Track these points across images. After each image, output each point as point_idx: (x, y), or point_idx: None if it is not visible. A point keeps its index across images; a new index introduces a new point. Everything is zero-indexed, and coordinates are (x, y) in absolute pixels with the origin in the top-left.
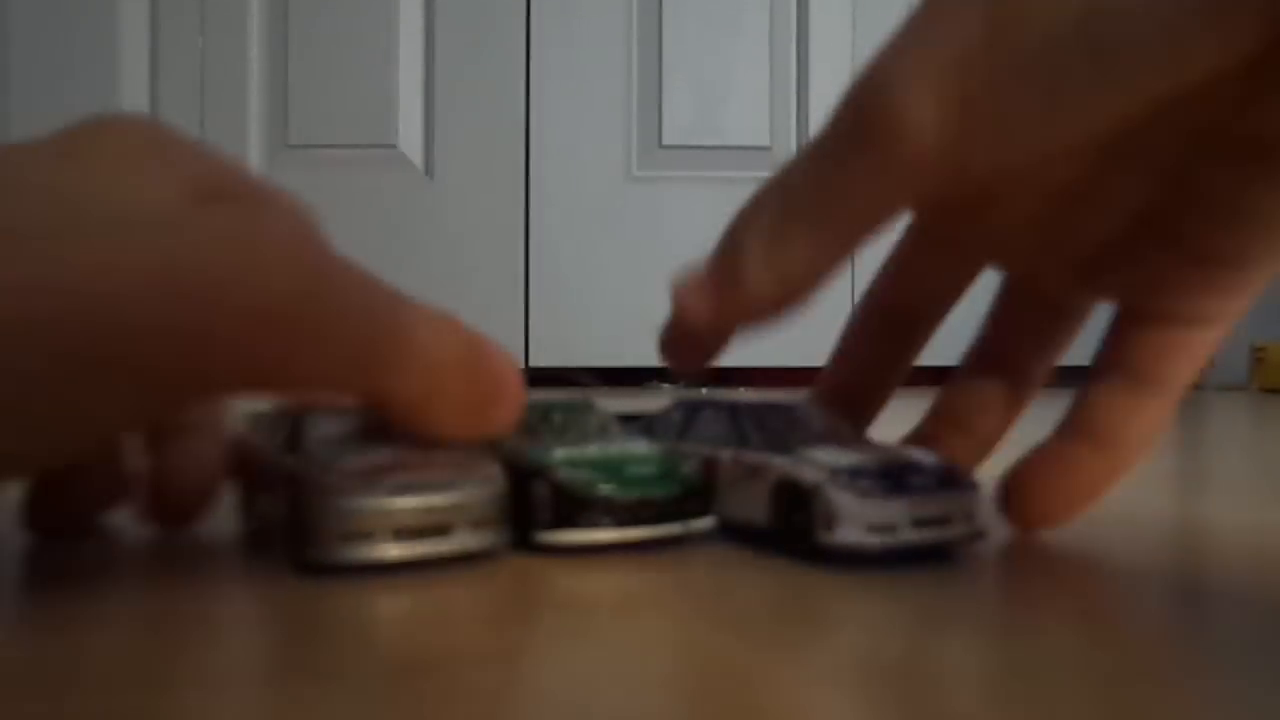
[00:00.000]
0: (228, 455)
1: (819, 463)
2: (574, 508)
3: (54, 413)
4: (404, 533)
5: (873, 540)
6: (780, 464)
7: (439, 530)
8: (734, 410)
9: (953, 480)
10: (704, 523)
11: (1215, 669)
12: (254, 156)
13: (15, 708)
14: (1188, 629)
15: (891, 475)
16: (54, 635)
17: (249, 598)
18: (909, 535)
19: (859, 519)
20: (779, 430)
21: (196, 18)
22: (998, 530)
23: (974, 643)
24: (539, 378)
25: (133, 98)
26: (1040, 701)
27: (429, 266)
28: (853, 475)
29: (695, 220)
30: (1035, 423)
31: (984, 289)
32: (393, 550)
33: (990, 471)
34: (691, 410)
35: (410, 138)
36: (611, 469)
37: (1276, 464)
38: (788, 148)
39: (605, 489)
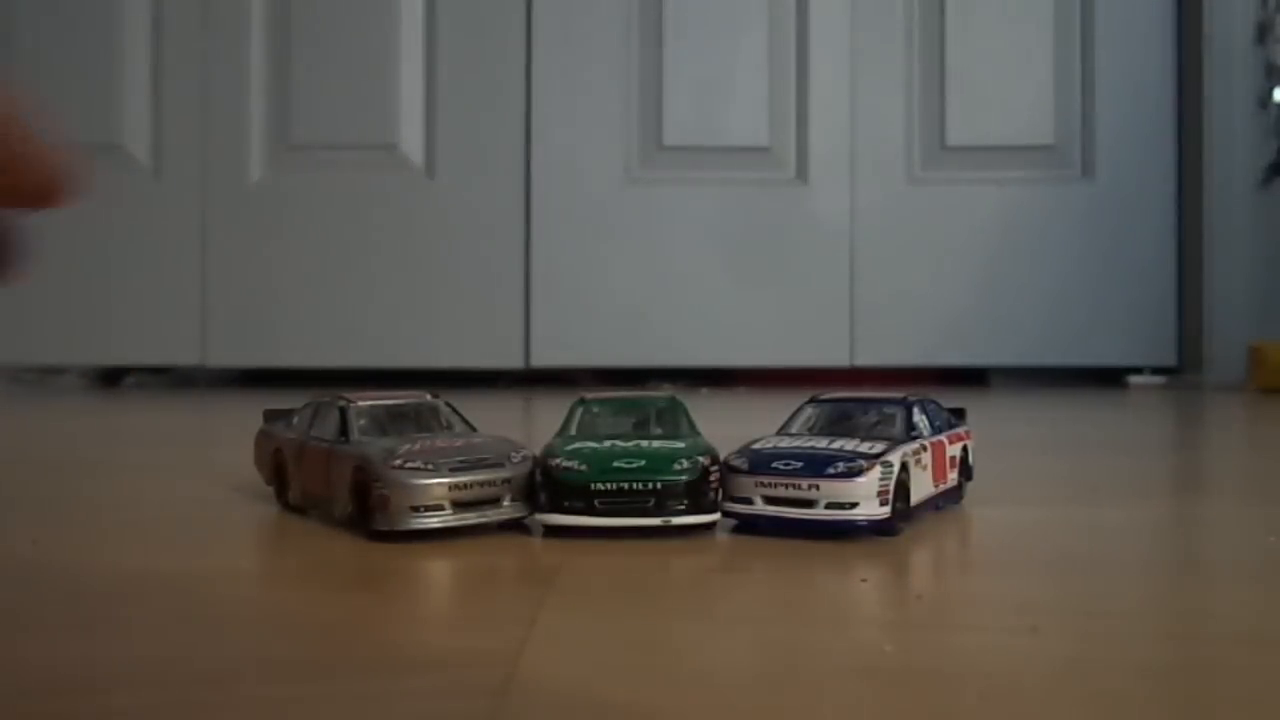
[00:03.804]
0: (259, 444)
1: None
2: (561, 493)
3: None
4: (463, 504)
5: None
6: None
7: (491, 501)
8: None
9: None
10: (691, 519)
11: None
12: (254, 156)
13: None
14: (1176, 623)
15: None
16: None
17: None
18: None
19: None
20: None
21: (198, 18)
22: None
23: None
24: (540, 378)
25: (135, 98)
26: None
27: (429, 266)
28: None
29: (695, 220)
30: (1028, 422)
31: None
32: (454, 518)
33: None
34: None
35: (410, 138)
36: (601, 462)
37: (1275, 464)
38: (787, 148)
39: (585, 479)
